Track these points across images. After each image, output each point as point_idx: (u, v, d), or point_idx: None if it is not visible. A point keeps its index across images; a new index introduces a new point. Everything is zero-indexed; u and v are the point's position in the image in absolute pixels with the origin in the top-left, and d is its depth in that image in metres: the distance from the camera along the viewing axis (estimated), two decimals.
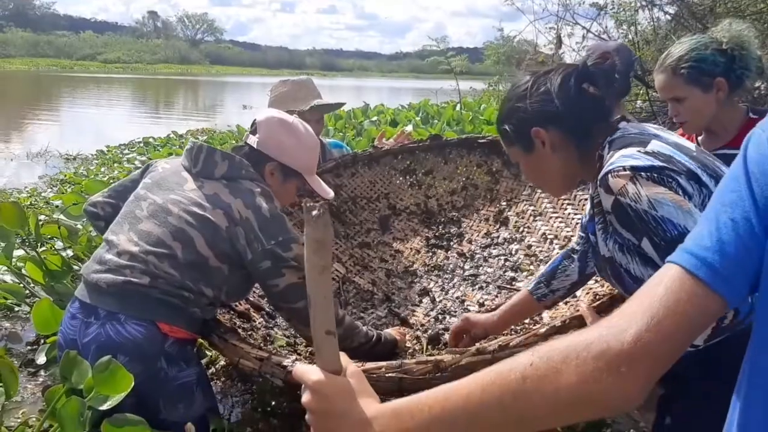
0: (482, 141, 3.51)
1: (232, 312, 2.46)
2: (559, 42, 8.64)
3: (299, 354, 2.30)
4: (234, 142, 9.07)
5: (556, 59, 10.08)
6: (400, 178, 3.48)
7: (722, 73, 2.11)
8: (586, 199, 3.08)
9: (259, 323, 2.55)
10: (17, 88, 31.72)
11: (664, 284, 0.73)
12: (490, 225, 3.28)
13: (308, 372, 0.82)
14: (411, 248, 3.23)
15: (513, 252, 3.09)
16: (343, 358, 0.86)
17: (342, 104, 3.69)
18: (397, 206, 3.40)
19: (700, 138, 2.32)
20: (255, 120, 2.23)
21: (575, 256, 2.07)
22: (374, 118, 8.79)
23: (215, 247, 1.96)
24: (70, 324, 1.97)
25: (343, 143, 4.34)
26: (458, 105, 8.84)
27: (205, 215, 1.96)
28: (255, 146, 2.17)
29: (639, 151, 1.48)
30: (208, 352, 2.88)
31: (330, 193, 2.32)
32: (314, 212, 0.77)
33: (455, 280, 3.02)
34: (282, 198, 2.23)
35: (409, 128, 4.29)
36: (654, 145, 1.51)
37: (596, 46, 3.15)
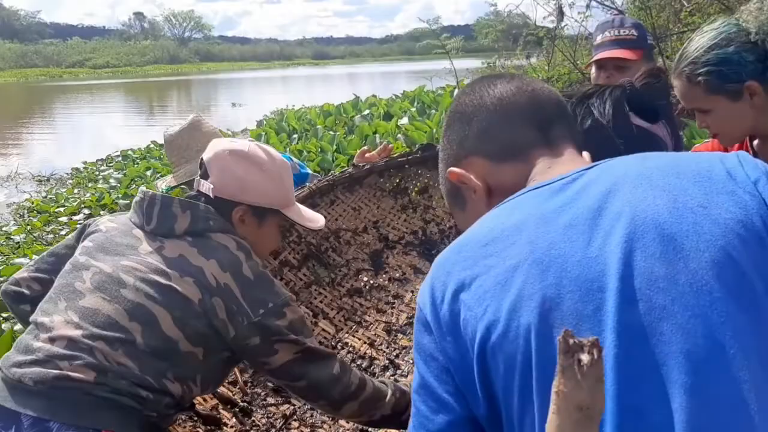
0: None
1: (197, 418, 1.89)
2: (560, 13, 7.95)
3: None
4: None
5: (559, 33, 9.42)
6: (390, 201, 2.83)
7: (752, 74, 1.58)
8: None
9: (233, 426, 2.00)
10: (3, 101, 31.15)
11: None
12: None
13: None
14: (413, 291, 2.59)
15: None
16: None
17: None
18: (389, 237, 2.76)
19: (754, 143, 1.80)
20: (202, 160, 1.70)
21: None
22: (366, 112, 8.08)
23: (186, 327, 1.50)
24: None
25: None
26: (456, 90, 8.17)
27: (171, 285, 1.50)
28: (210, 194, 1.65)
29: None
30: None
31: (319, 221, 1.84)
32: (583, 356, 0.49)
33: None
34: (262, 246, 1.75)
35: (391, 146, 3.52)
36: None
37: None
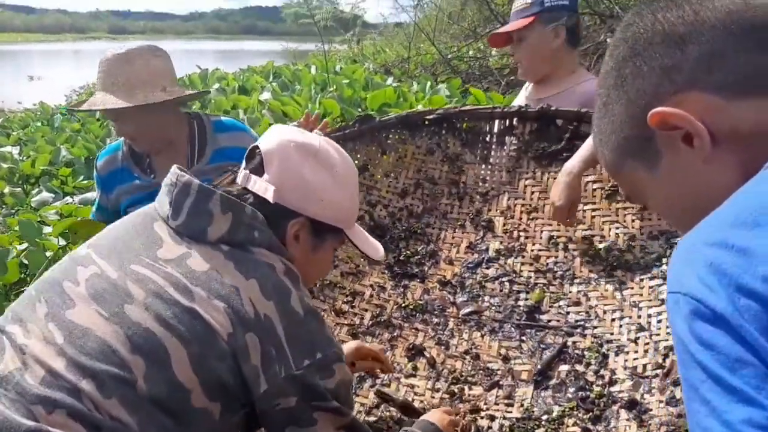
0: (431, 117, 2.55)
1: None
2: None
3: None
4: (39, 123, 7.08)
5: (417, 14, 9.35)
6: None
7: None
8: (593, 183, 2.29)
9: None
10: None
11: None
12: (470, 233, 2.36)
13: None
14: (372, 285, 2.21)
15: (516, 269, 2.20)
16: None
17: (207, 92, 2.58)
18: None
19: None
20: (258, 150, 1.31)
21: None
22: (216, 86, 7.41)
23: (204, 370, 1.09)
24: None
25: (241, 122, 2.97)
26: (313, 68, 7.77)
27: (194, 308, 1.10)
28: (270, 198, 1.25)
29: None
30: None
31: (380, 251, 1.54)
32: None
33: (450, 324, 2.08)
34: (310, 275, 1.38)
35: (316, 114, 3.03)
36: None
37: None
